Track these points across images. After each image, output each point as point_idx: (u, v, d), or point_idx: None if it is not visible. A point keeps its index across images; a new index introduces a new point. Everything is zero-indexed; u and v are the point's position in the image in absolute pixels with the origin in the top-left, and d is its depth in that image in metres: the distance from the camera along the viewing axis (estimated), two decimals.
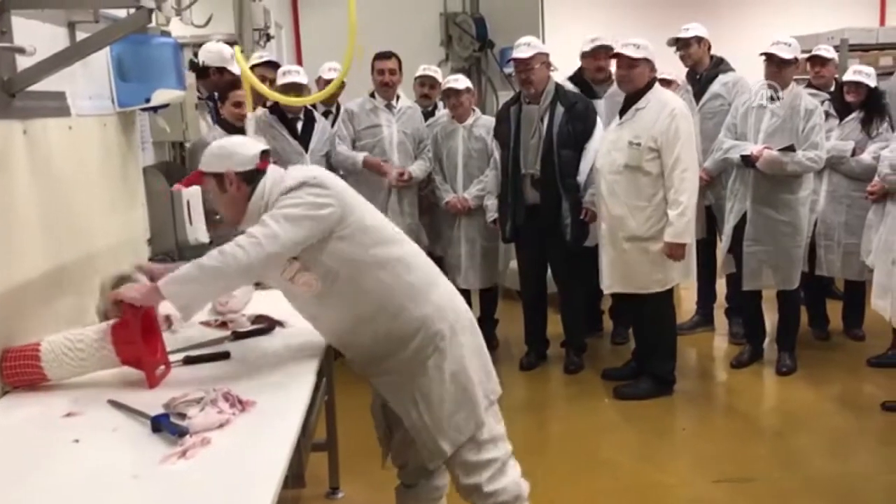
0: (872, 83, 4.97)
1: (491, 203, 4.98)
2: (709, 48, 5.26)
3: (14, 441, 1.95)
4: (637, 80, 4.31)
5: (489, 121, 5.17)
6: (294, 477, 2.52)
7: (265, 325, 2.78)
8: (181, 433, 1.87)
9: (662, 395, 4.53)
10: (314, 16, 8.28)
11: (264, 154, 2.42)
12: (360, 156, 4.98)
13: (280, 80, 4.76)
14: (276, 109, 4.84)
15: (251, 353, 2.55)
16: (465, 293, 4.74)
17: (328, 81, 5.03)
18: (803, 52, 5.00)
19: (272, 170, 2.42)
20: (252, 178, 2.38)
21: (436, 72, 5.49)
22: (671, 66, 5.34)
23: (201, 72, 4.60)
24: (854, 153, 4.97)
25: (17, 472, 1.78)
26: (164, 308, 2.47)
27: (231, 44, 4.66)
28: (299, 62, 7.88)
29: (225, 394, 2.05)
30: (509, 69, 5.72)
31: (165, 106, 3.39)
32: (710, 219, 5.27)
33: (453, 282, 2.99)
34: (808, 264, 4.97)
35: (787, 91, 4.59)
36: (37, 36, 2.39)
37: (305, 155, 4.79)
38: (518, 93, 4.93)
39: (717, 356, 5.38)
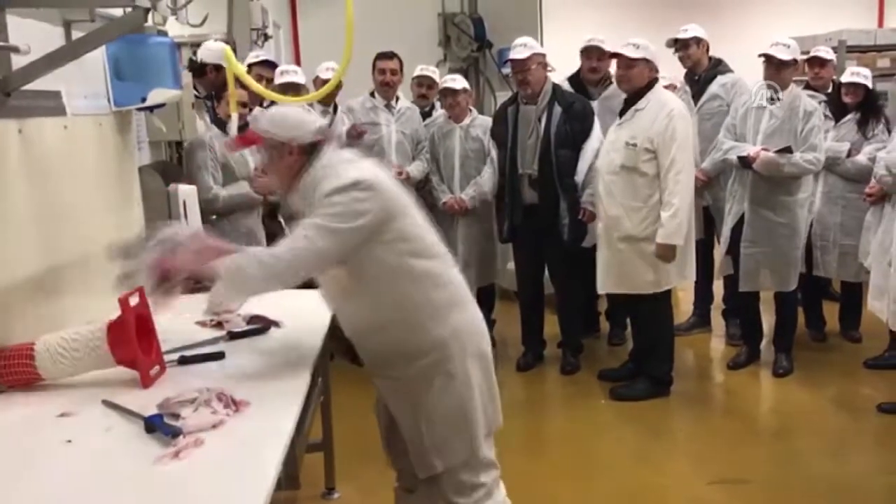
0: (870, 84, 4.98)
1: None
2: (707, 49, 5.27)
3: (7, 441, 1.94)
4: (635, 80, 4.31)
5: (486, 121, 5.17)
6: (288, 478, 2.52)
7: (261, 325, 2.77)
8: (174, 434, 1.87)
9: (659, 396, 4.53)
10: (312, 16, 8.28)
11: (322, 129, 2.42)
12: None
13: (277, 80, 4.76)
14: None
15: (246, 353, 2.54)
16: None
17: (325, 81, 5.01)
18: (802, 53, 5.00)
19: (329, 150, 2.41)
20: (312, 150, 2.38)
21: (433, 72, 5.49)
22: (669, 67, 5.34)
23: (199, 70, 4.59)
24: (850, 154, 4.97)
25: (10, 472, 1.77)
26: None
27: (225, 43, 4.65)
28: (297, 62, 7.88)
29: (219, 394, 2.04)
30: (507, 70, 5.72)
31: (162, 105, 3.37)
32: (707, 220, 5.27)
33: None
34: (804, 265, 4.98)
35: (787, 92, 4.60)
36: (32, 35, 2.38)
37: None
38: (515, 93, 4.94)
39: (713, 357, 5.38)
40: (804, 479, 3.66)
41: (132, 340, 2.22)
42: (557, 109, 4.67)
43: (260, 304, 2.74)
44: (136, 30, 2.60)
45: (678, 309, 5.64)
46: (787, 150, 4.46)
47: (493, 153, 4.92)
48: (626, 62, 4.31)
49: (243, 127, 4.06)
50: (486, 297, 5.37)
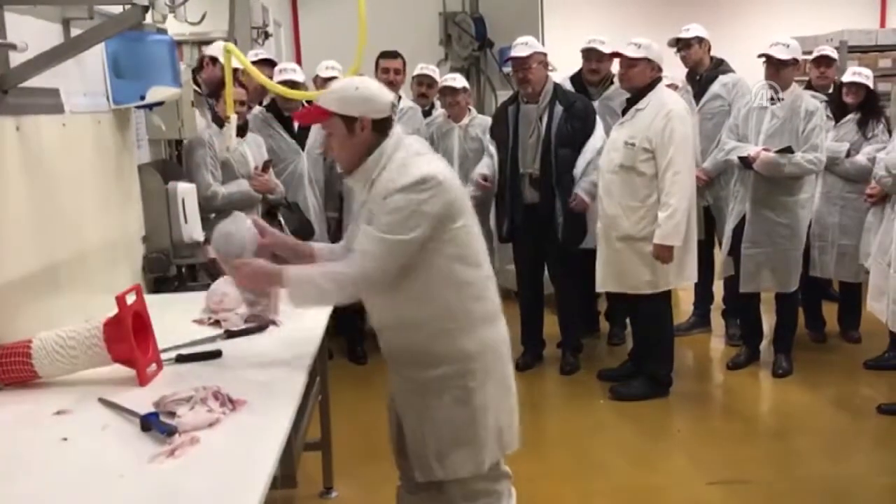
0: (871, 85, 4.97)
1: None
2: (709, 49, 5.26)
3: (3, 439, 1.94)
4: (635, 80, 4.30)
5: (485, 121, 5.16)
6: (285, 477, 2.51)
7: (258, 323, 2.77)
8: (170, 432, 1.86)
9: (658, 397, 4.52)
10: (313, 14, 8.28)
11: (395, 105, 2.35)
12: None
13: (276, 78, 4.74)
14: (272, 108, 4.83)
15: (243, 351, 2.54)
16: None
17: (325, 80, 5.02)
18: (804, 53, 5.00)
19: (396, 132, 2.35)
20: (383, 127, 2.31)
21: (434, 71, 5.48)
22: (671, 66, 5.33)
23: (198, 63, 4.61)
24: (849, 154, 4.97)
25: (5, 470, 1.77)
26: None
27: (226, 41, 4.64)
28: (298, 61, 7.87)
29: (215, 392, 2.04)
30: (508, 69, 5.72)
31: (161, 103, 3.38)
32: (707, 219, 5.26)
33: None
34: (803, 265, 4.97)
35: (788, 92, 4.59)
36: (30, 32, 2.39)
37: (302, 153, 4.79)
38: (516, 92, 4.93)
39: (713, 357, 5.37)
40: (803, 479, 3.65)
41: (129, 338, 2.22)
42: (559, 108, 4.66)
43: None
44: (134, 27, 2.60)
45: (678, 309, 5.63)
46: (788, 150, 4.46)
47: (492, 149, 4.90)
48: (627, 62, 4.30)
49: (243, 127, 4.08)
50: None
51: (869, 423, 4.25)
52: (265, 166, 4.28)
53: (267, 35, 6.30)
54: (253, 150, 4.28)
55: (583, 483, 3.67)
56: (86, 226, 2.85)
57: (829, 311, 5.49)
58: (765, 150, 4.51)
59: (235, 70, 3.58)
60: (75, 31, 2.72)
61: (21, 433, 1.97)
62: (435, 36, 8.29)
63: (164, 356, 2.41)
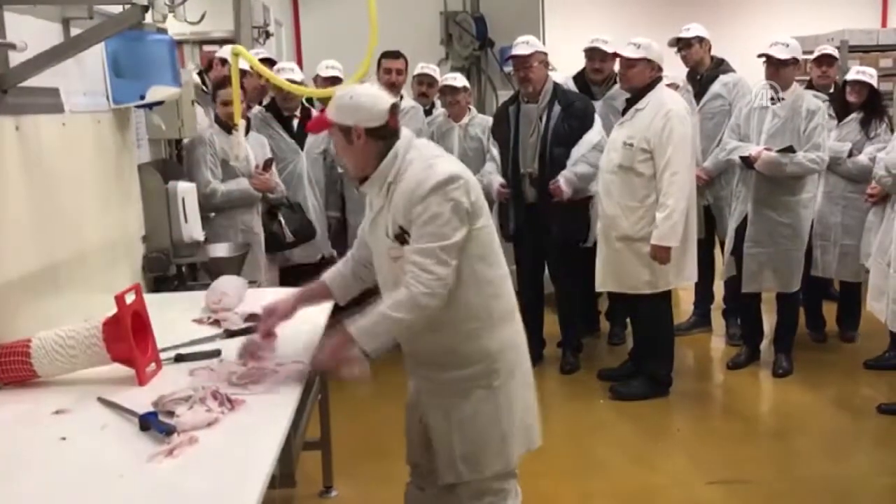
0: (875, 84, 4.97)
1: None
2: (709, 48, 5.26)
3: (2, 438, 1.94)
4: (635, 80, 4.29)
5: (485, 120, 5.15)
6: (284, 476, 2.51)
7: (257, 323, 2.76)
8: (169, 431, 1.87)
9: (658, 396, 4.52)
10: (314, 14, 8.27)
11: (393, 108, 2.29)
12: None
13: None
14: (272, 107, 4.83)
15: None
16: None
17: (325, 79, 5.02)
18: (805, 52, 4.99)
19: (407, 133, 2.33)
20: (382, 134, 2.27)
21: (434, 70, 5.48)
22: (672, 66, 5.33)
23: (208, 67, 4.64)
24: (851, 154, 4.96)
25: (4, 469, 1.77)
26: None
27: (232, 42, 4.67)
28: (299, 60, 7.87)
29: (214, 392, 2.04)
30: (509, 68, 5.72)
31: (161, 103, 3.38)
32: (708, 219, 5.26)
33: None
34: (805, 265, 4.97)
35: (789, 92, 4.58)
36: (30, 32, 2.39)
37: (301, 153, 4.79)
38: (516, 92, 4.93)
39: (713, 357, 5.37)
40: (803, 479, 3.65)
41: (128, 338, 2.22)
42: (557, 108, 4.67)
43: (257, 303, 2.74)
44: (134, 27, 2.60)
45: (678, 309, 5.63)
46: (789, 149, 4.45)
47: (494, 151, 4.90)
48: (626, 62, 4.30)
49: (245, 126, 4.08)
50: None
51: (869, 423, 4.24)
52: (266, 165, 4.28)
53: (268, 34, 6.30)
54: (255, 149, 4.29)
55: (583, 482, 3.67)
56: (86, 225, 2.85)
57: (829, 310, 5.48)
58: (766, 149, 4.50)
59: (243, 72, 3.60)
60: (75, 31, 2.72)
61: (20, 432, 1.97)
62: (436, 35, 8.27)
63: (163, 355, 2.41)
